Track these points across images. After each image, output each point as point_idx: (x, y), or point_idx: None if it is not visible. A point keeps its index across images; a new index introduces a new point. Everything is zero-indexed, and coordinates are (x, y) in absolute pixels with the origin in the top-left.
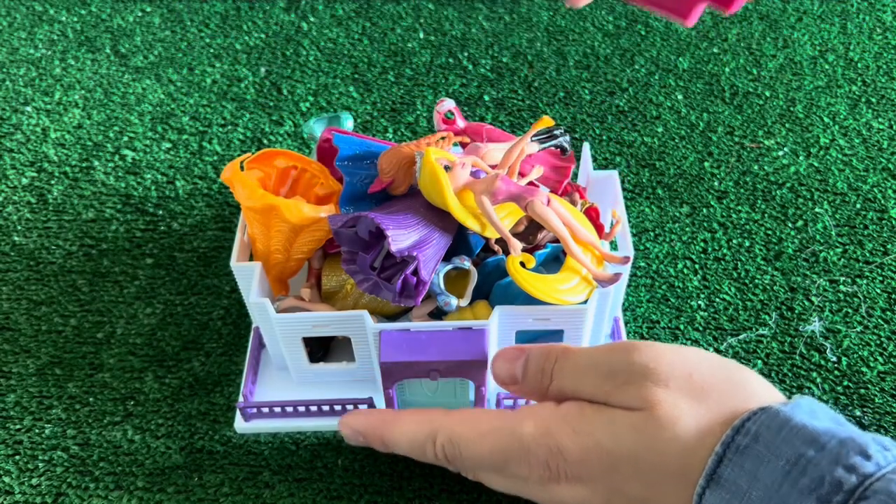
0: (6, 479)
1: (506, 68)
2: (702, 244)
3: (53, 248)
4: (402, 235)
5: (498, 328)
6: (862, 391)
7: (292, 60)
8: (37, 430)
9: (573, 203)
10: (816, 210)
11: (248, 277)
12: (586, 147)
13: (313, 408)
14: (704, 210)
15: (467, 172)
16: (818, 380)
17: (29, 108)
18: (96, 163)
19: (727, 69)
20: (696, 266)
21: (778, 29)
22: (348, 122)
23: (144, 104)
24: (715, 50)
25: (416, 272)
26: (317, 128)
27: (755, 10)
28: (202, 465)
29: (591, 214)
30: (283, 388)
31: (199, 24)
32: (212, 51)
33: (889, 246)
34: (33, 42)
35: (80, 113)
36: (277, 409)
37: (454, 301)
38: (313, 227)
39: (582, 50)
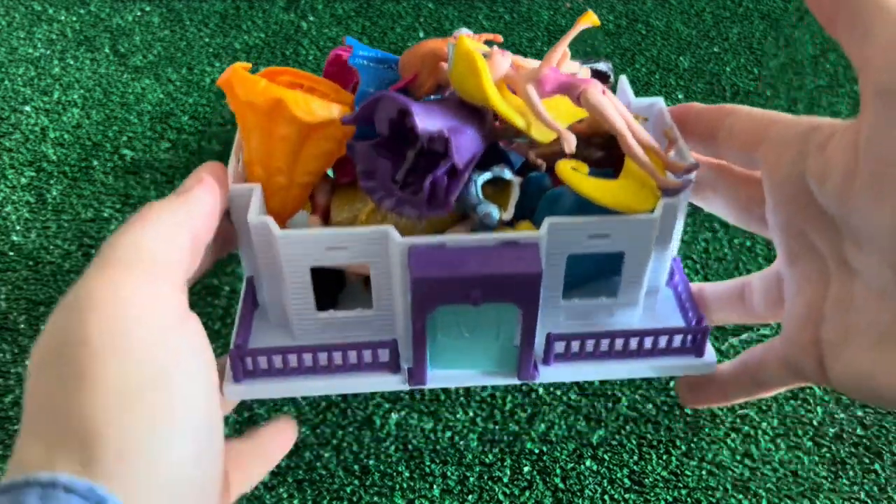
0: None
1: None
2: (703, 244)
3: (52, 247)
4: (429, 117)
5: (547, 245)
6: None
7: (292, 60)
8: None
9: None
10: None
11: (244, 203)
12: (624, 78)
13: (322, 360)
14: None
15: (508, 62)
16: None
17: (28, 108)
18: (95, 162)
19: (728, 68)
20: (698, 266)
21: (779, 28)
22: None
23: (144, 104)
24: (716, 49)
25: (447, 170)
26: None
27: (756, 10)
28: None
29: None
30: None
31: (198, 23)
32: (211, 50)
33: None
34: (32, 41)
35: (80, 112)
36: (278, 363)
37: (496, 212)
38: (322, 133)
39: (582, 49)
